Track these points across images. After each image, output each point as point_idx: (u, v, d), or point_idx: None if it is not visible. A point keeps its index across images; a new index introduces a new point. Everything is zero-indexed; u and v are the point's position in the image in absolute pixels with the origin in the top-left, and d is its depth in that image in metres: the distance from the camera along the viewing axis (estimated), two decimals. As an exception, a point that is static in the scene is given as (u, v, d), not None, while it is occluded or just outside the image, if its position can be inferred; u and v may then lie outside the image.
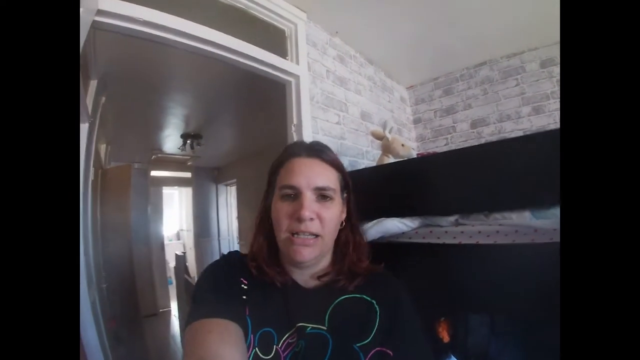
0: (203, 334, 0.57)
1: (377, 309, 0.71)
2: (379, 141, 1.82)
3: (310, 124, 1.84)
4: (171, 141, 4.56)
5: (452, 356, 1.36)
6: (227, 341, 0.56)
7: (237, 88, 2.78)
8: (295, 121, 1.82)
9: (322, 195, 0.71)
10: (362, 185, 1.58)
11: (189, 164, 5.97)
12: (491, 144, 1.31)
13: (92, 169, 2.14)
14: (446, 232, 1.33)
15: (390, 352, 0.66)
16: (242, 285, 0.70)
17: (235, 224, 6.38)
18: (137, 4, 1.32)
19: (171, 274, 5.72)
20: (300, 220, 0.67)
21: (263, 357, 0.63)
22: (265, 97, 2.74)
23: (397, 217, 1.44)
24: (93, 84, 2.13)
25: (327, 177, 0.73)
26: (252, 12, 1.84)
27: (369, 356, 0.65)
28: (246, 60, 1.67)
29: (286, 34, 2.02)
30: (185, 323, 0.62)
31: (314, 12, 2.08)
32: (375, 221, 1.48)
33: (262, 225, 0.77)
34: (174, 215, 7.64)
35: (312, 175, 0.70)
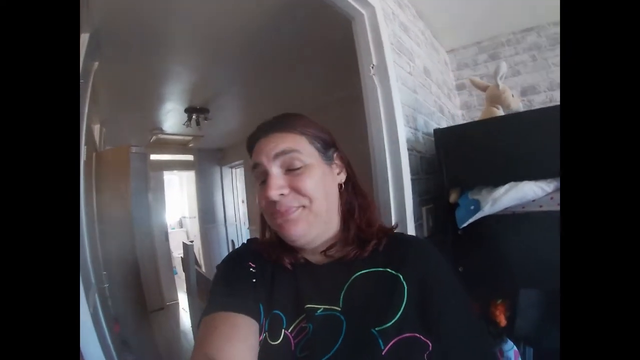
0: (210, 329, 0.55)
1: (405, 284, 0.60)
2: (481, 92, 1.61)
3: (393, 67, 1.44)
4: (173, 117, 4.11)
5: (509, 340, 1.24)
6: (233, 337, 0.53)
7: (265, 40, 2.28)
8: (375, 61, 1.41)
9: (290, 164, 0.64)
10: (477, 142, 1.40)
11: (190, 145, 5.58)
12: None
13: (83, 147, 1.72)
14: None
15: (429, 343, 0.55)
16: (251, 269, 0.67)
17: (242, 209, 6.17)
18: None
19: (176, 264, 5.47)
20: (269, 200, 0.63)
21: (271, 343, 0.58)
22: (299, 52, 2.34)
23: (531, 179, 1.19)
24: (84, 38, 1.68)
25: (286, 143, 0.65)
26: None
27: (391, 343, 0.53)
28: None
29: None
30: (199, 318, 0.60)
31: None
32: (507, 186, 1.22)
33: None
34: (176, 202, 7.27)
35: (270, 147, 0.65)
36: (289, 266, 0.66)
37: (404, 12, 1.95)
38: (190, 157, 5.97)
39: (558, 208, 1.12)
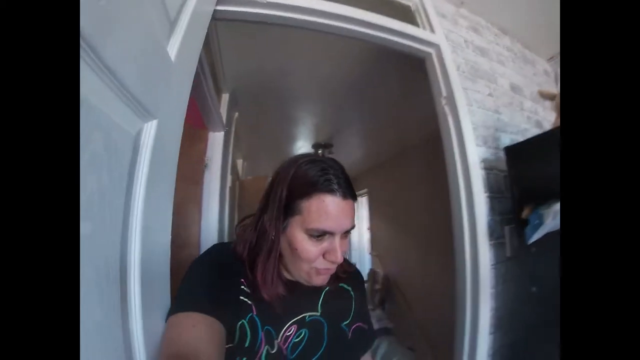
0: (186, 326, 0.57)
1: (353, 294, 0.88)
2: (549, 102, 1.54)
3: (462, 95, 1.63)
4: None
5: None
6: (209, 339, 0.57)
7: (367, 84, 2.69)
8: (445, 93, 1.62)
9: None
10: (546, 154, 1.31)
11: (320, 175, 6.11)
12: None
13: (229, 177, 2.33)
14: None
15: (366, 327, 0.86)
16: (242, 287, 0.71)
17: (366, 236, 6.39)
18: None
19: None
20: (333, 263, 0.70)
21: (271, 352, 0.66)
22: (399, 89, 2.67)
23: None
24: (225, 97, 2.32)
25: (354, 219, 0.72)
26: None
27: (350, 331, 0.81)
28: (381, 32, 1.54)
29: (412, 9, 1.87)
30: (168, 313, 0.63)
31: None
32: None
33: (268, 245, 0.72)
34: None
35: (347, 222, 0.69)
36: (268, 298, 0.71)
37: (480, 36, 2.09)
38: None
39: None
